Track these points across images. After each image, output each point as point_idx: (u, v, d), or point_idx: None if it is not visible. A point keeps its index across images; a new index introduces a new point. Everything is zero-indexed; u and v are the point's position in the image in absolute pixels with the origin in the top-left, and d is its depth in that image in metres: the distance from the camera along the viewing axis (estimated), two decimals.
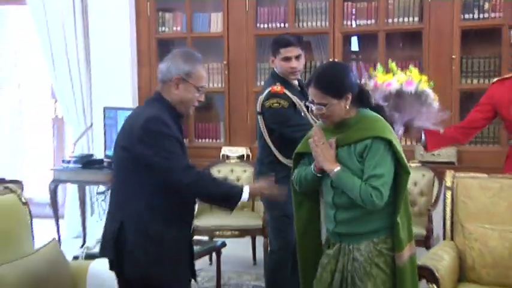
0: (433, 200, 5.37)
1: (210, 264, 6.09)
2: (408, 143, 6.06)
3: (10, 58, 8.47)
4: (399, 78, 4.03)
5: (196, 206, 5.68)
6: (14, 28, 8.39)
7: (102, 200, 6.63)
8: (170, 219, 3.07)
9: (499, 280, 3.73)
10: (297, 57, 4.29)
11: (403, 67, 5.94)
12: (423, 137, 4.28)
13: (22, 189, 5.08)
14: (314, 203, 3.39)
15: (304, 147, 3.28)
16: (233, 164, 6.34)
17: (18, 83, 8.55)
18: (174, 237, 3.10)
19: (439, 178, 5.30)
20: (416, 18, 6.04)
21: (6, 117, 8.56)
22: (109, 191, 3.74)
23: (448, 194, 4.11)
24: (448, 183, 4.13)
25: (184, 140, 3.29)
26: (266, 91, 4.29)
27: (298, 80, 4.45)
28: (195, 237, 4.80)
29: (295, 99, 4.25)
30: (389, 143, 3.04)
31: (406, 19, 6.08)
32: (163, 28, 6.86)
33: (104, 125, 6.64)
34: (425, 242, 5.04)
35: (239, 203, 3.15)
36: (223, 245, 4.33)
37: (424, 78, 4.14)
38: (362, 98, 3.18)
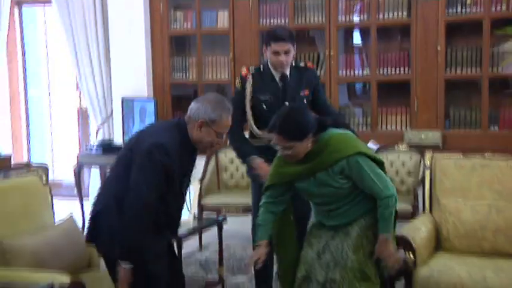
0: (419, 179, 5.45)
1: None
2: (398, 127, 6.16)
3: (40, 54, 8.62)
4: None
5: (197, 194, 5.86)
6: (42, 27, 8.50)
7: None
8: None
9: (470, 249, 3.83)
10: (286, 52, 4.14)
11: (394, 57, 6.14)
12: None
13: (47, 173, 5.25)
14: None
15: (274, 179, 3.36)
16: None
17: (48, 77, 8.70)
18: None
19: (425, 160, 5.38)
20: (405, 13, 6.08)
21: (38, 108, 8.72)
22: None
23: (427, 172, 4.21)
24: (427, 163, 4.22)
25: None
26: None
27: (283, 74, 4.23)
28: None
29: (248, 91, 4.20)
30: (360, 153, 3.15)
31: (395, 14, 6.11)
32: (175, 25, 6.90)
33: (122, 114, 6.77)
34: (412, 216, 5.09)
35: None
36: (224, 219, 4.41)
37: None
38: (320, 127, 3.21)
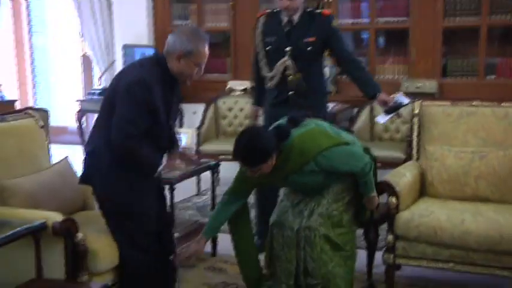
0: None
1: (217, 185, 6.37)
2: (396, 76, 6.21)
3: (45, 2, 8.68)
4: None
5: (200, 134, 5.98)
6: None
7: None
8: None
9: (453, 194, 3.90)
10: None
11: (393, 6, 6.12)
12: None
13: (47, 117, 5.34)
14: None
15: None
16: (237, 96, 6.49)
17: (53, 25, 8.78)
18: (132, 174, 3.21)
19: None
20: None
21: (42, 56, 8.82)
22: None
23: (415, 120, 4.25)
24: (416, 111, 4.26)
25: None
26: None
27: (290, 19, 4.28)
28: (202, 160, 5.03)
29: (258, 32, 4.37)
30: (324, 150, 3.20)
31: None
32: None
33: (124, 61, 6.86)
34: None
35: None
36: (218, 165, 4.52)
37: None
38: (280, 138, 3.19)
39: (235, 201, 3.47)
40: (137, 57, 6.74)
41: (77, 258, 3.12)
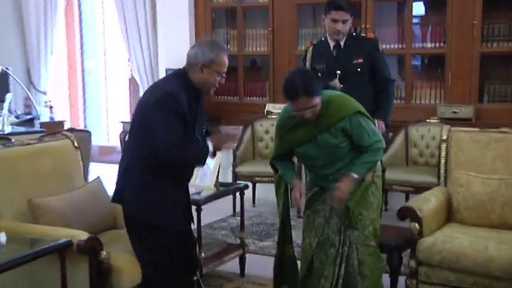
0: None
1: (253, 206, 6.43)
2: (432, 101, 6.14)
3: (97, 29, 8.93)
4: None
5: (236, 156, 6.02)
6: (99, 4, 8.82)
7: None
8: (165, 174, 3.24)
9: (479, 221, 3.82)
10: (343, 21, 4.34)
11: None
12: None
13: (90, 138, 5.48)
14: None
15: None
16: (274, 119, 6.43)
17: (104, 51, 9.03)
18: (165, 187, 3.25)
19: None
20: None
21: (93, 79, 9.06)
22: None
23: (443, 145, 4.21)
24: (444, 137, 4.22)
25: (203, 112, 3.43)
26: None
27: (337, 43, 4.46)
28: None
29: (307, 61, 4.53)
30: (359, 112, 3.29)
31: None
32: None
33: None
34: None
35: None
36: (246, 187, 4.51)
37: None
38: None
39: (288, 163, 3.56)
40: None
41: (101, 275, 3.17)
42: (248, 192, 6.24)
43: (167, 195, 3.28)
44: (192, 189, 3.95)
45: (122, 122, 7.17)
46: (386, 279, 3.78)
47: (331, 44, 4.47)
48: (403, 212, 3.65)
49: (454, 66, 5.98)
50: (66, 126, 7.63)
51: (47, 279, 3.18)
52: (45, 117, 7.47)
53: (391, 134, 5.90)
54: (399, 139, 5.93)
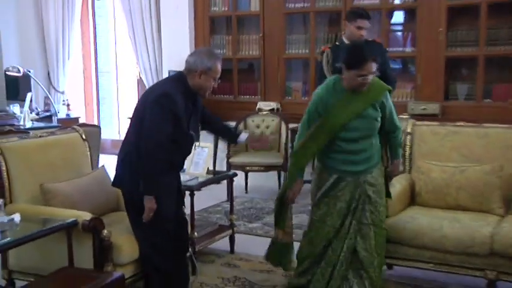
0: None
1: (246, 192, 6.52)
2: (404, 99, 6.21)
3: (109, 35, 9.00)
4: None
5: (230, 148, 6.10)
6: (111, 12, 8.88)
7: None
8: None
9: (437, 203, 3.91)
10: (366, 28, 4.50)
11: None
12: None
13: (100, 132, 5.53)
14: None
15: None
16: (264, 115, 6.59)
17: (115, 56, 9.10)
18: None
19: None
20: None
21: (106, 80, 9.14)
22: None
23: (408, 138, 4.25)
24: (408, 130, 4.27)
25: (199, 111, 3.49)
26: None
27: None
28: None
29: (324, 61, 4.59)
30: (389, 90, 3.45)
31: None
32: (214, 8, 7.08)
33: None
34: None
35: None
36: (235, 175, 4.55)
37: None
38: None
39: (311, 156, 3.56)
40: None
41: (103, 251, 3.25)
42: (241, 181, 6.38)
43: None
44: (186, 177, 4.06)
45: (130, 118, 7.22)
46: None
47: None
48: None
49: (423, 68, 6.05)
50: (81, 122, 7.71)
51: (56, 253, 3.26)
52: (62, 114, 7.52)
53: None
54: None
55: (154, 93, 3.28)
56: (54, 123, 6.48)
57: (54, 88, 8.33)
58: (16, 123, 6.01)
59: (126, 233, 3.41)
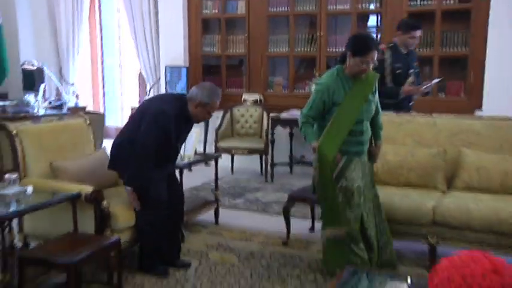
0: None
1: (232, 173, 6.65)
2: None
3: (113, 32, 9.06)
4: None
5: (218, 133, 6.20)
6: (116, 11, 8.93)
7: None
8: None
9: (391, 181, 4.04)
10: (418, 37, 4.64)
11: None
12: None
13: (104, 118, 5.66)
14: None
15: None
16: (249, 106, 6.71)
17: (119, 52, 9.15)
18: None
19: None
20: (378, 5, 6.24)
21: (111, 73, 9.21)
22: None
23: None
24: None
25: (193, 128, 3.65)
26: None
27: (408, 51, 4.70)
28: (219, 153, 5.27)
29: (386, 60, 4.62)
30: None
31: (371, 6, 6.29)
32: (206, 10, 7.15)
33: (165, 79, 7.16)
34: None
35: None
36: (219, 156, 4.67)
37: None
38: None
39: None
40: (174, 75, 7.06)
41: (103, 219, 3.38)
42: (228, 163, 6.52)
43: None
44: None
45: (132, 108, 7.34)
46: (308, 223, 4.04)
47: (403, 50, 4.66)
48: None
49: None
50: (88, 110, 7.80)
51: (63, 220, 3.38)
52: (72, 104, 7.60)
53: None
54: None
55: (156, 107, 3.37)
56: (64, 111, 6.58)
57: (65, 80, 8.40)
58: (31, 111, 6.11)
59: (122, 204, 3.54)
